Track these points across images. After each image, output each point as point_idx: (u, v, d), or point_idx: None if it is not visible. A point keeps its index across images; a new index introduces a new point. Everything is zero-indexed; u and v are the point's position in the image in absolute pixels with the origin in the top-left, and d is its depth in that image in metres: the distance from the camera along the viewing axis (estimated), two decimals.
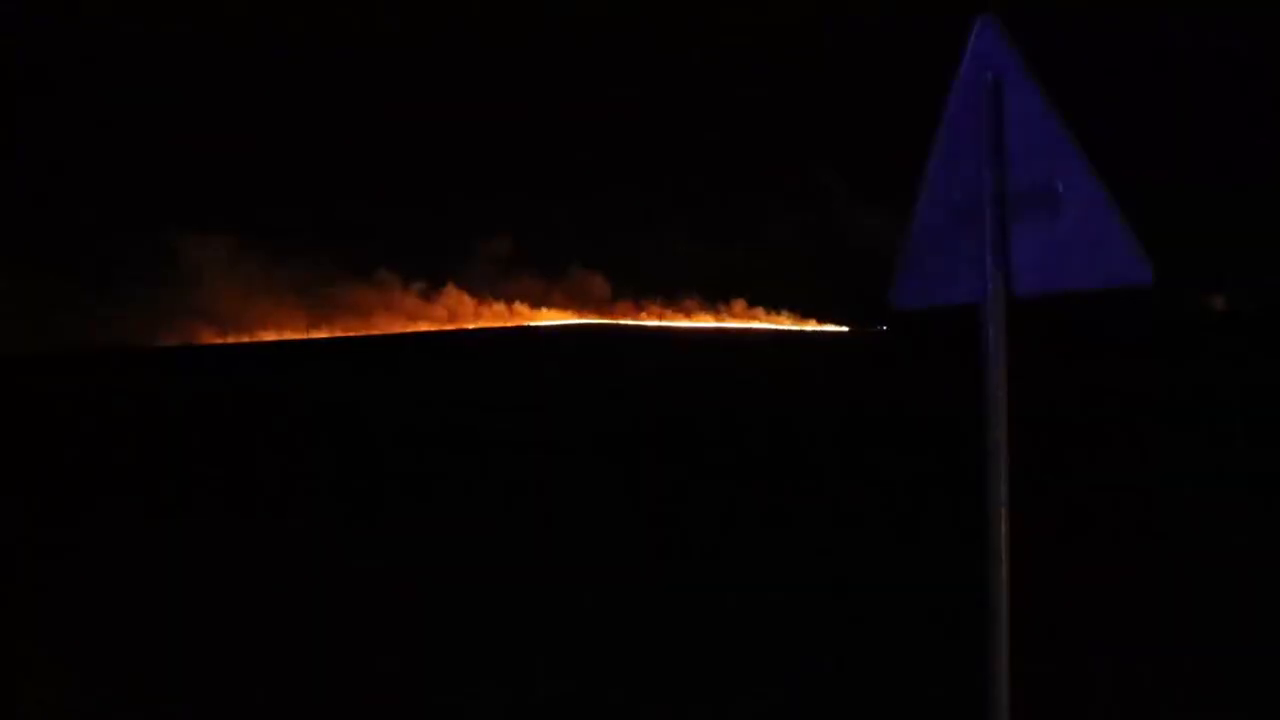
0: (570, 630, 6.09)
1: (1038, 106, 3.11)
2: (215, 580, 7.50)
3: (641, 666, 5.35)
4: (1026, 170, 3.11)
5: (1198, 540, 8.23)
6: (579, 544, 8.62)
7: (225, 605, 6.76)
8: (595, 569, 7.60)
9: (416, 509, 10.61)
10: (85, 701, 5.08)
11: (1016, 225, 3.12)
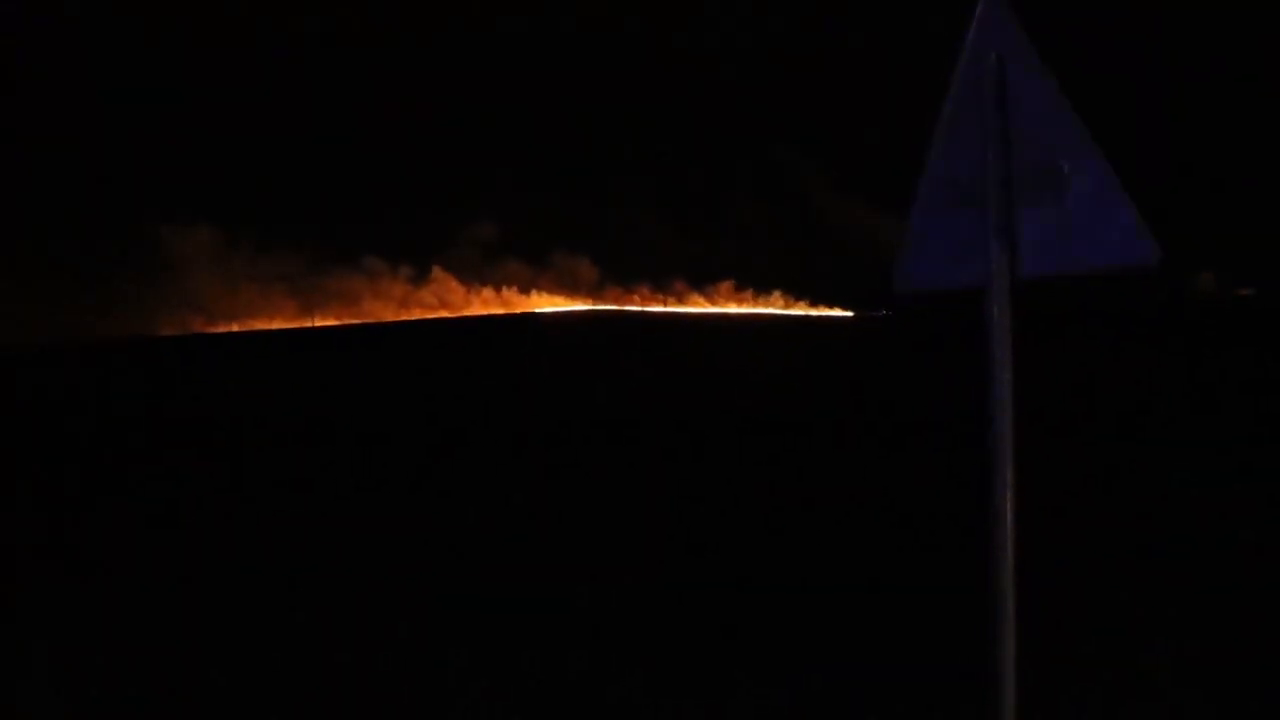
0: (569, 629, 6.05)
1: (1042, 85, 3.04)
2: (208, 578, 7.46)
3: (641, 666, 5.30)
4: (1031, 150, 3.05)
5: (1199, 533, 8.17)
6: (586, 538, 8.59)
7: (220, 604, 6.72)
8: (595, 567, 7.56)
9: (422, 502, 10.58)
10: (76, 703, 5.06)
11: (1021, 206, 3.06)
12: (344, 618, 6.23)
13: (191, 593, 6.90)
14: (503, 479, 11.60)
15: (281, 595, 6.75)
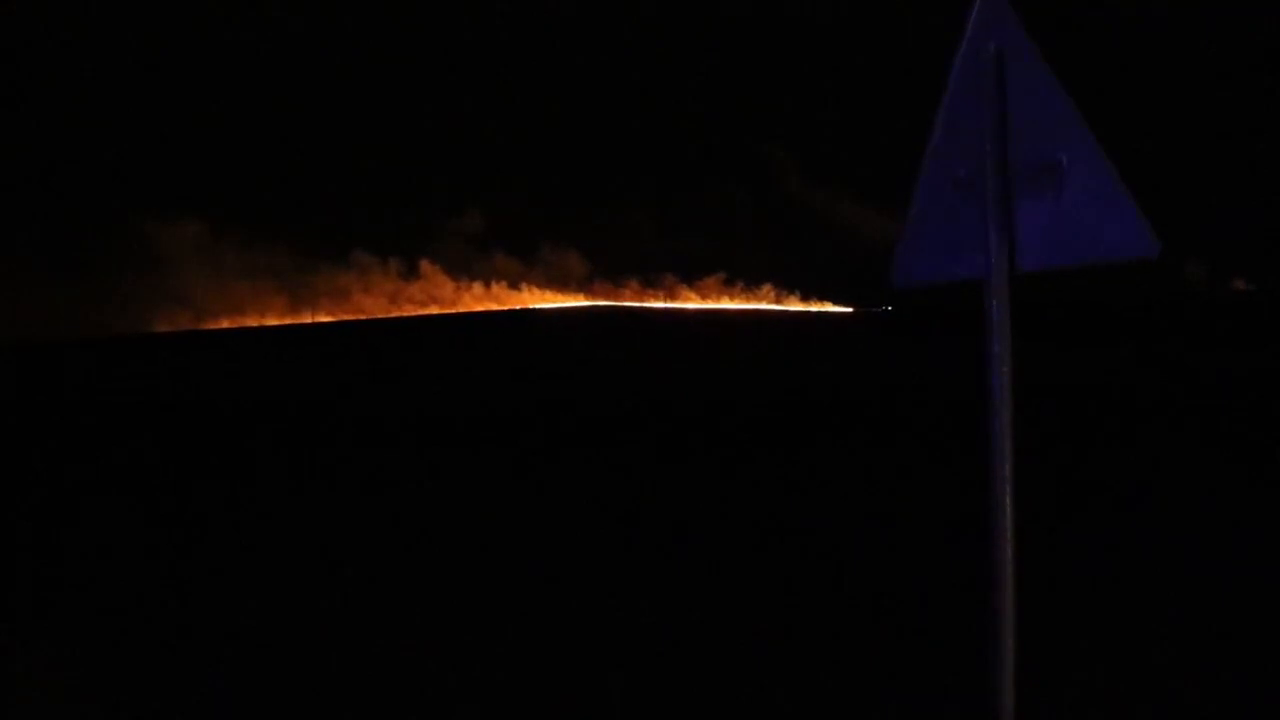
0: (565, 628, 6.05)
1: (1041, 77, 3.04)
2: (202, 577, 7.46)
3: (644, 667, 5.29)
4: (1030, 142, 3.05)
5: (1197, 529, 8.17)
6: (583, 536, 8.59)
7: (217, 602, 6.71)
8: (592, 565, 7.57)
9: (423, 501, 10.57)
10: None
11: (1020, 199, 3.06)
12: (341, 617, 6.22)
13: (188, 591, 6.89)
14: (501, 476, 11.59)
15: (279, 594, 6.74)
